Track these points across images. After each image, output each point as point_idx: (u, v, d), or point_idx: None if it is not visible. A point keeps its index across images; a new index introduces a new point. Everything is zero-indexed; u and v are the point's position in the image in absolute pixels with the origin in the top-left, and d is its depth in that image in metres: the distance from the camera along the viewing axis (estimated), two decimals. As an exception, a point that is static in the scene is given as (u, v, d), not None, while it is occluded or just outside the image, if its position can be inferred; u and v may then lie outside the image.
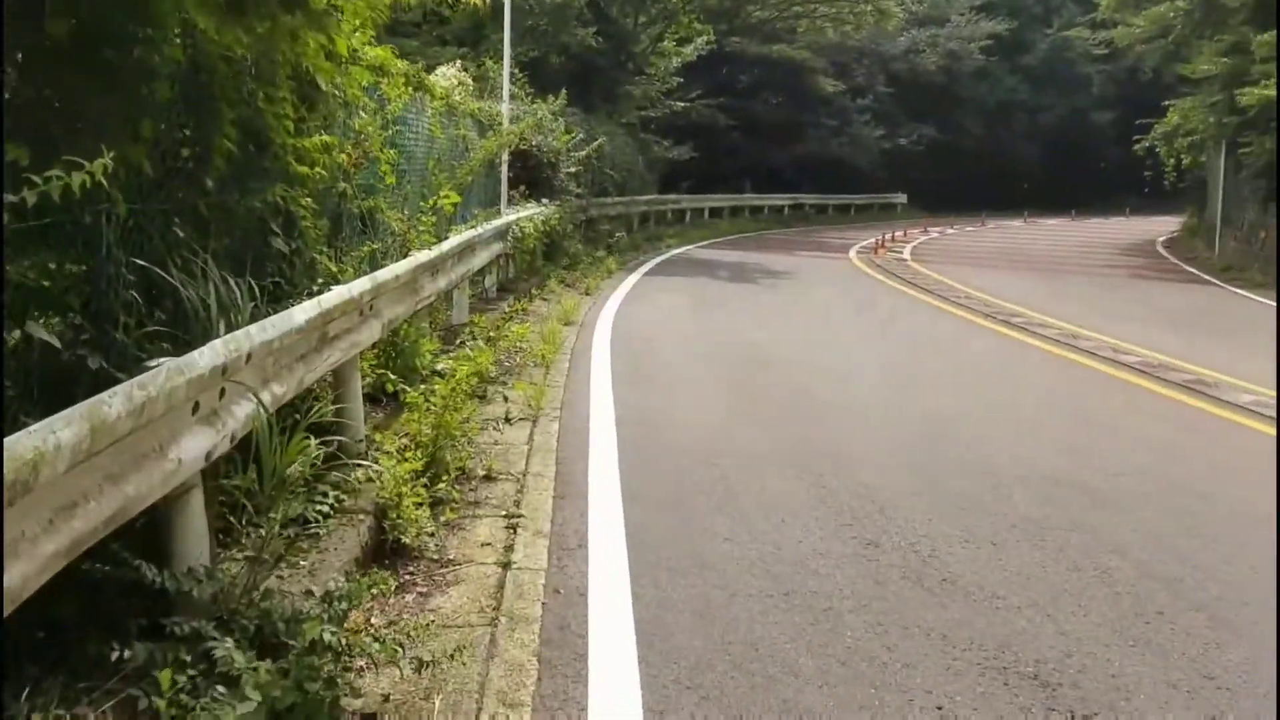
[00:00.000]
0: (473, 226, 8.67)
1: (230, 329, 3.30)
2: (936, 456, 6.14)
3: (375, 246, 5.55)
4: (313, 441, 3.83)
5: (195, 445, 2.88)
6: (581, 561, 4.25)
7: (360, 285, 4.60)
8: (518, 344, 8.73)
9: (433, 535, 4.37)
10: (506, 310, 10.58)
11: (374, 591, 3.14)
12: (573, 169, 15.79)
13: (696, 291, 15.25)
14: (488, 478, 5.31)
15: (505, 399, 6.63)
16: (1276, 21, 20.93)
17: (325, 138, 4.42)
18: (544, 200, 14.41)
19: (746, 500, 5.15)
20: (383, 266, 5.78)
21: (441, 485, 4.78)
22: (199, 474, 2.99)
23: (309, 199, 4.94)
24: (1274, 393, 7.99)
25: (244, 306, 3.58)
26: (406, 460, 4.60)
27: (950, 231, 34.29)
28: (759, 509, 5.01)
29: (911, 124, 44.49)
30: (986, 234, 34.65)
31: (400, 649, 2.89)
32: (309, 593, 3.18)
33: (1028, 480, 5.68)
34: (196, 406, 2.89)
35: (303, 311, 3.69)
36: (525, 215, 12.42)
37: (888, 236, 27.47)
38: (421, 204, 6.93)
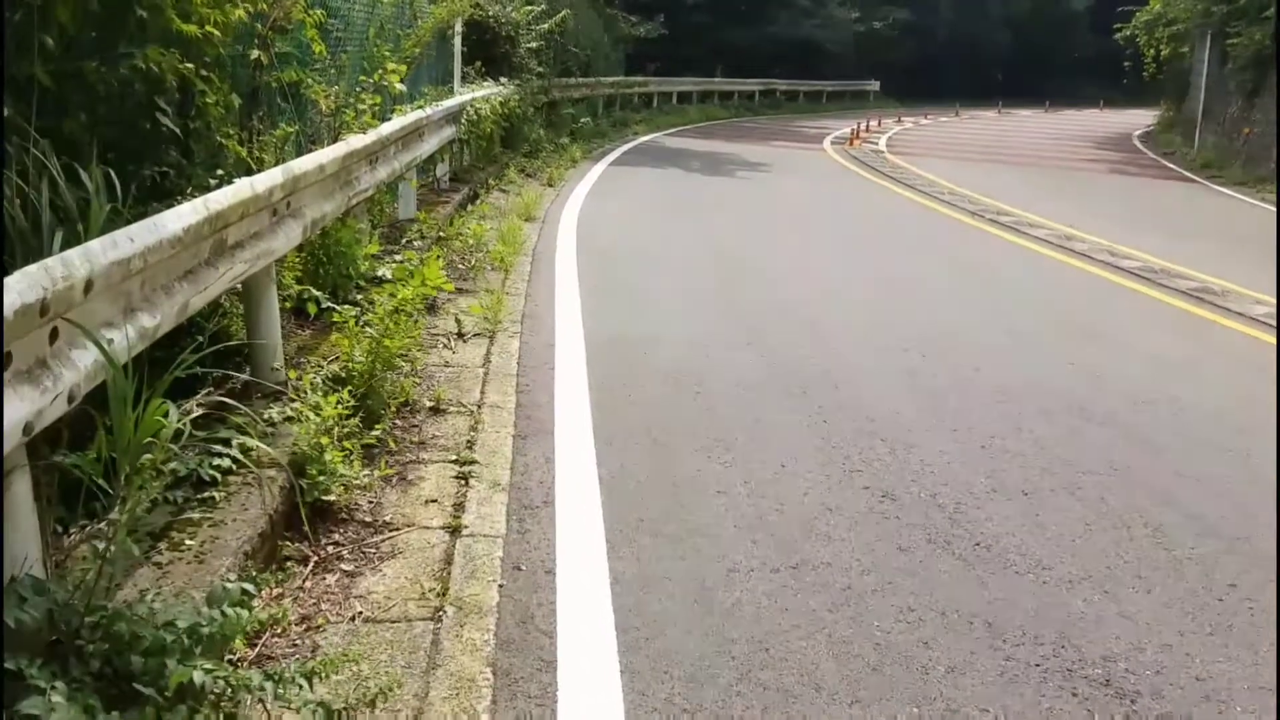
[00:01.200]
0: (420, 107, 7.59)
1: (72, 245, 2.41)
2: (946, 382, 5.45)
3: (295, 129, 4.55)
4: (190, 406, 2.99)
5: (10, 414, 2.05)
6: (547, 524, 3.51)
7: (269, 179, 3.66)
8: (473, 243, 7.80)
9: (365, 489, 3.60)
10: (460, 203, 9.56)
11: (258, 620, 2.38)
12: (534, 44, 14.41)
13: (668, 185, 14.25)
14: (436, 410, 4.51)
15: (457, 321, 5.76)
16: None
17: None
18: (502, 79, 13.14)
19: (739, 440, 4.43)
20: (311, 152, 4.83)
21: (378, 428, 3.98)
22: (23, 450, 2.17)
23: (210, 71, 3.94)
24: (1295, 307, 7.41)
25: (99, 209, 2.68)
26: (334, 396, 3.77)
27: (925, 122, 33.21)
28: (754, 452, 4.30)
29: (885, 7, 42.58)
30: (961, 125, 33.60)
31: (306, 684, 2.14)
32: (185, 594, 2.41)
33: (1051, 413, 5.02)
34: (6, 360, 2.04)
35: (178, 217, 2.78)
36: (481, 95, 11.23)
37: (862, 126, 26.35)
38: (360, 79, 5.87)
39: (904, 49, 43.24)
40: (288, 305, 4.52)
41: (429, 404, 4.55)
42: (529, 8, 14.22)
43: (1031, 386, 5.46)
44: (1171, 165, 23.69)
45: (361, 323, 4.32)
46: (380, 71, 5.82)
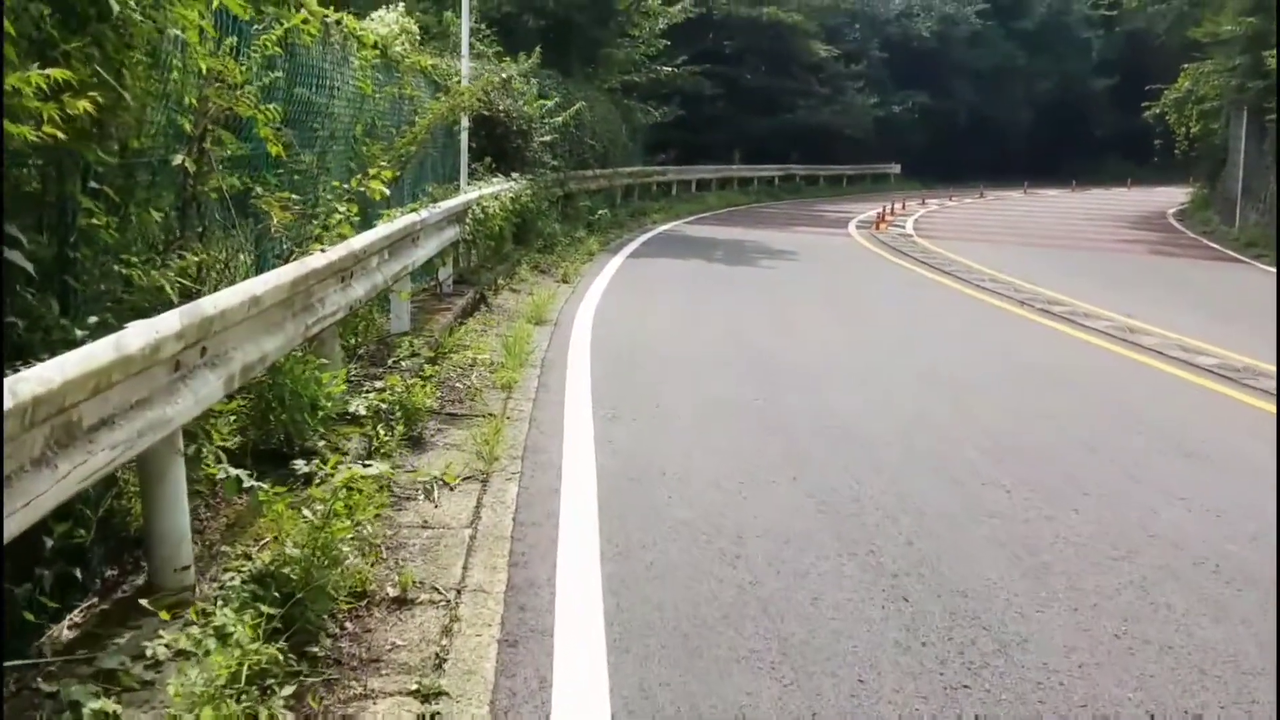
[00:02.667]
0: (415, 209, 6.80)
1: None
2: (1042, 533, 4.39)
3: (200, 258, 3.63)
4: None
5: None
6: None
7: (148, 332, 2.66)
8: (472, 359, 6.90)
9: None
10: (464, 309, 8.71)
11: None
12: (548, 138, 13.82)
13: (690, 277, 13.42)
14: (400, 602, 3.50)
15: (430, 489, 4.73)
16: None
17: (59, 72, 2.52)
18: (514, 174, 12.50)
19: (796, 637, 3.37)
20: (259, 275, 3.98)
21: (313, 651, 2.95)
22: None
23: (106, 184, 3.10)
24: None
25: None
26: (252, 611, 2.78)
27: (949, 204, 32.61)
28: (818, 659, 3.24)
29: (904, 91, 42.52)
30: (988, 206, 32.98)
31: None
32: None
33: (1181, 576, 3.94)
34: None
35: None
36: (490, 192, 10.52)
37: (887, 210, 25.69)
38: (335, 185, 5.05)
39: (924, 132, 43.01)
40: (209, 472, 3.56)
41: (392, 592, 3.54)
42: (542, 102, 13.68)
43: (1151, 538, 4.38)
44: (1213, 245, 22.77)
45: (305, 495, 3.35)
46: (359, 177, 5.00)
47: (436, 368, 6.47)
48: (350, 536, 3.31)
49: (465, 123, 10.33)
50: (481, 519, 4.37)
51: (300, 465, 3.95)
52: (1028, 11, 47.78)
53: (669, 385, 6.95)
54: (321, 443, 4.33)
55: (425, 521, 4.27)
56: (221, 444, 3.70)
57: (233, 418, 4.10)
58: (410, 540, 4.03)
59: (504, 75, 9.27)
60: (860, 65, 39.89)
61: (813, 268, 15.30)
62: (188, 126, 3.84)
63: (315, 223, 4.82)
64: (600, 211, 17.57)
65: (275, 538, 3.25)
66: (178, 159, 3.60)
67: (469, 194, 9.49)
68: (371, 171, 5.03)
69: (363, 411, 4.69)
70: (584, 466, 5.11)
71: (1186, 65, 29.14)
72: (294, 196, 4.66)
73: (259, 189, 4.25)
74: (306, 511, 3.19)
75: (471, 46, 11.60)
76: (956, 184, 39.27)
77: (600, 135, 18.57)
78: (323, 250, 4.15)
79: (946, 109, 44.00)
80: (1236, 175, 25.71)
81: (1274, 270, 16.99)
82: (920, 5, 43.36)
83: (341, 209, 4.70)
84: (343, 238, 4.65)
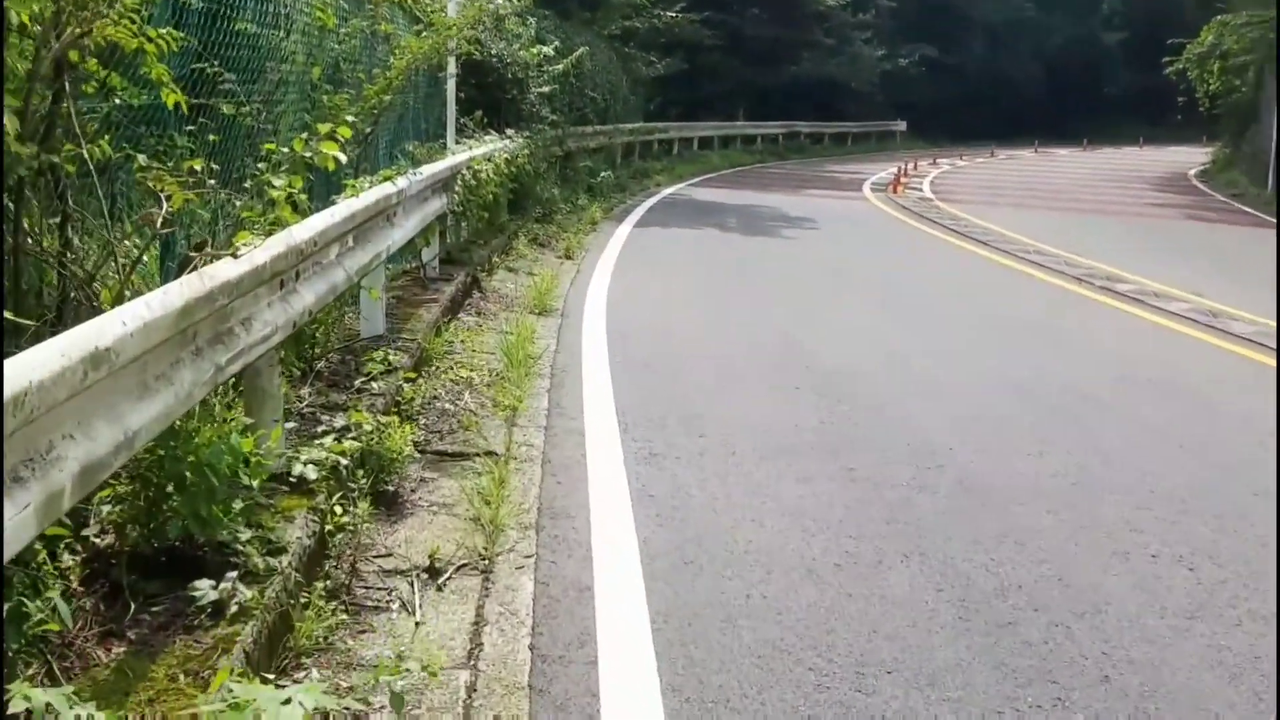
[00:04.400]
0: (389, 178, 5.31)
1: None
2: (1242, 647, 3.06)
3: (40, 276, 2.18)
4: None
5: None
6: None
7: None
8: (465, 376, 5.47)
9: None
10: (453, 297, 7.23)
11: None
12: (546, 89, 12.20)
13: (707, 251, 11.96)
14: None
15: (409, 588, 3.34)
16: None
17: None
18: (508, 131, 10.94)
19: None
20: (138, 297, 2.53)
21: None
22: None
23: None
24: None
25: None
26: None
27: (961, 163, 31.09)
28: None
29: (911, 44, 40.65)
30: (1002, 166, 31.48)
31: None
32: None
33: None
34: None
35: None
36: (482, 152, 8.99)
37: (901, 170, 24.21)
38: (269, 149, 3.58)
39: (931, 87, 41.28)
40: (39, 628, 2.14)
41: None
42: (540, 47, 12.03)
43: None
44: (1249, 209, 21.47)
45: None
46: (301, 138, 3.49)
47: (419, 384, 5.04)
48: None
49: (453, 68, 8.77)
50: (484, 648, 2.98)
51: (204, 590, 2.56)
52: (1040, -39, 45.90)
53: (711, 404, 5.54)
54: (247, 533, 2.92)
55: (400, 654, 2.88)
56: (70, 564, 2.29)
57: (105, 508, 2.69)
58: (377, 701, 2.64)
59: (488, 6, 7.75)
60: (869, 14, 37.98)
61: (838, 240, 13.85)
62: (19, 65, 2.39)
63: (240, 205, 3.37)
64: (603, 174, 15.98)
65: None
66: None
67: (458, 156, 7.96)
68: (322, 129, 3.53)
69: (311, 475, 3.28)
70: (621, 541, 3.72)
71: (1215, 18, 27.54)
72: (211, 168, 3.18)
73: (142, 158, 2.77)
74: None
75: (459, -20, 9.97)
76: (964, 142, 37.69)
77: (601, 87, 16.90)
78: (237, 253, 2.69)
79: (954, 64, 42.23)
80: (1269, 135, 24.25)
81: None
82: (929, -49, 41.39)
83: (278, 183, 3.24)
84: (279, 226, 3.20)
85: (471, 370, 5.62)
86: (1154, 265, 11.41)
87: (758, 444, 4.87)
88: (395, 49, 6.69)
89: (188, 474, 2.68)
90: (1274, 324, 7.98)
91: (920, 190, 21.93)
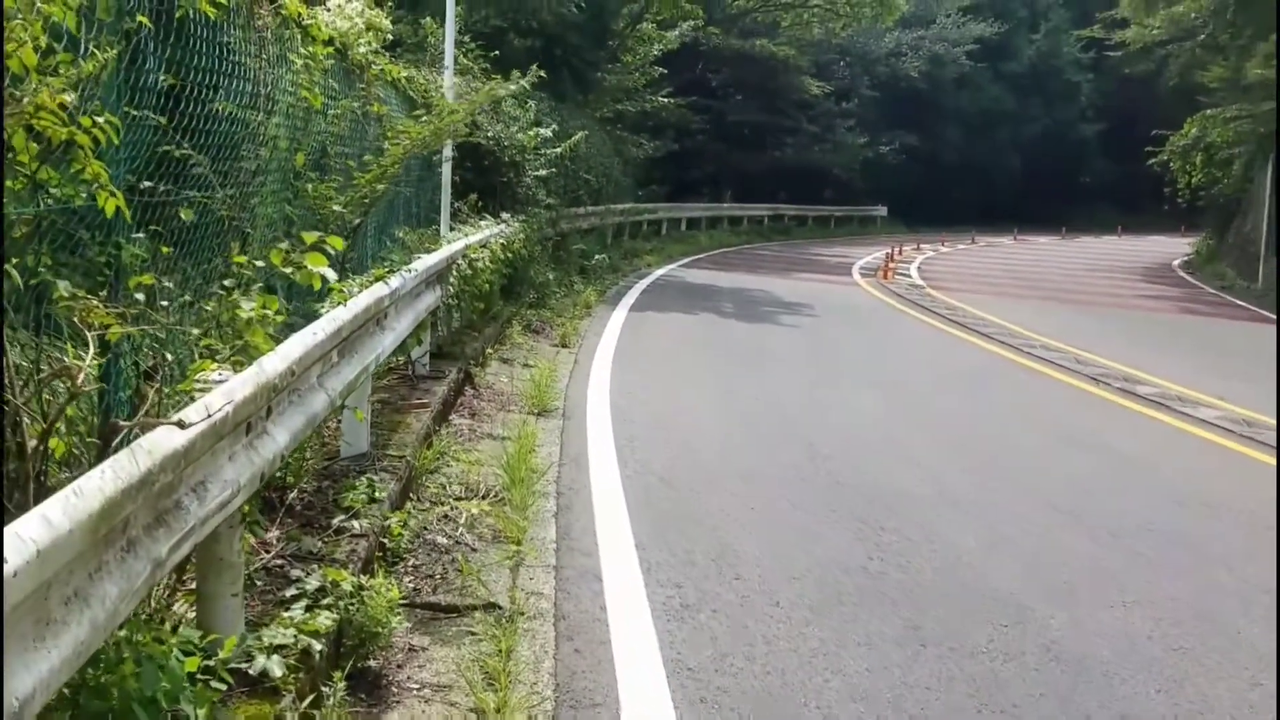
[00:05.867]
0: (381, 277, 4.69)
1: None
2: None
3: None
4: None
5: None
6: None
7: None
8: (462, 509, 4.75)
9: None
10: (445, 399, 6.56)
11: None
12: (542, 172, 11.76)
13: (706, 339, 11.41)
14: None
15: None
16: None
17: None
18: (504, 214, 10.43)
19: None
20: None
21: None
22: None
23: None
24: None
25: None
26: None
27: (944, 249, 31.14)
28: None
29: (891, 131, 41.19)
30: (985, 253, 31.52)
31: None
32: None
33: None
34: None
35: None
36: (478, 239, 8.43)
37: (890, 256, 24.04)
38: (237, 262, 2.93)
39: (911, 174, 41.72)
40: None
41: None
42: (538, 130, 11.62)
43: None
44: (1240, 302, 21.37)
45: None
46: (280, 249, 2.85)
47: (408, 514, 4.34)
48: None
49: (449, 151, 8.26)
50: None
51: None
52: (1016, 54, 46.96)
53: (739, 534, 4.87)
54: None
55: None
56: None
57: None
58: None
59: (498, 91, 7.31)
60: (851, 103, 38.53)
61: (838, 330, 13.37)
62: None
63: (197, 332, 2.71)
64: (597, 256, 15.52)
65: None
66: None
67: (454, 244, 7.38)
68: (308, 239, 2.89)
69: (276, 671, 2.57)
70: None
71: (1200, 112, 27.91)
72: (164, 286, 2.52)
73: (64, 286, 2.10)
74: None
75: (455, 60, 9.57)
76: (943, 228, 37.83)
77: (595, 169, 16.56)
78: (184, 422, 2.00)
79: (933, 151, 42.79)
80: (1260, 226, 24.31)
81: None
82: (909, 44, 42.21)
83: (248, 306, 2.60)
84: (246, 356, 2.54)
85: (467, 490, 4.93)
86: (1163, 362, 11.07)
87: (804, 591, 4.19)
88: (388, 133, 6.15)
89: (114, 702, 1.97)
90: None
91: (909, 276, 21.72)
